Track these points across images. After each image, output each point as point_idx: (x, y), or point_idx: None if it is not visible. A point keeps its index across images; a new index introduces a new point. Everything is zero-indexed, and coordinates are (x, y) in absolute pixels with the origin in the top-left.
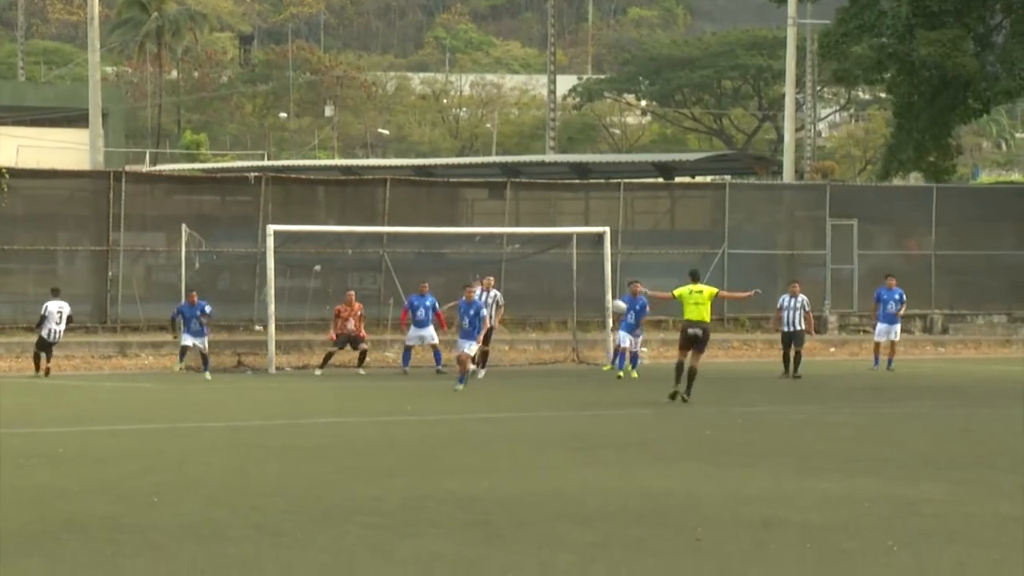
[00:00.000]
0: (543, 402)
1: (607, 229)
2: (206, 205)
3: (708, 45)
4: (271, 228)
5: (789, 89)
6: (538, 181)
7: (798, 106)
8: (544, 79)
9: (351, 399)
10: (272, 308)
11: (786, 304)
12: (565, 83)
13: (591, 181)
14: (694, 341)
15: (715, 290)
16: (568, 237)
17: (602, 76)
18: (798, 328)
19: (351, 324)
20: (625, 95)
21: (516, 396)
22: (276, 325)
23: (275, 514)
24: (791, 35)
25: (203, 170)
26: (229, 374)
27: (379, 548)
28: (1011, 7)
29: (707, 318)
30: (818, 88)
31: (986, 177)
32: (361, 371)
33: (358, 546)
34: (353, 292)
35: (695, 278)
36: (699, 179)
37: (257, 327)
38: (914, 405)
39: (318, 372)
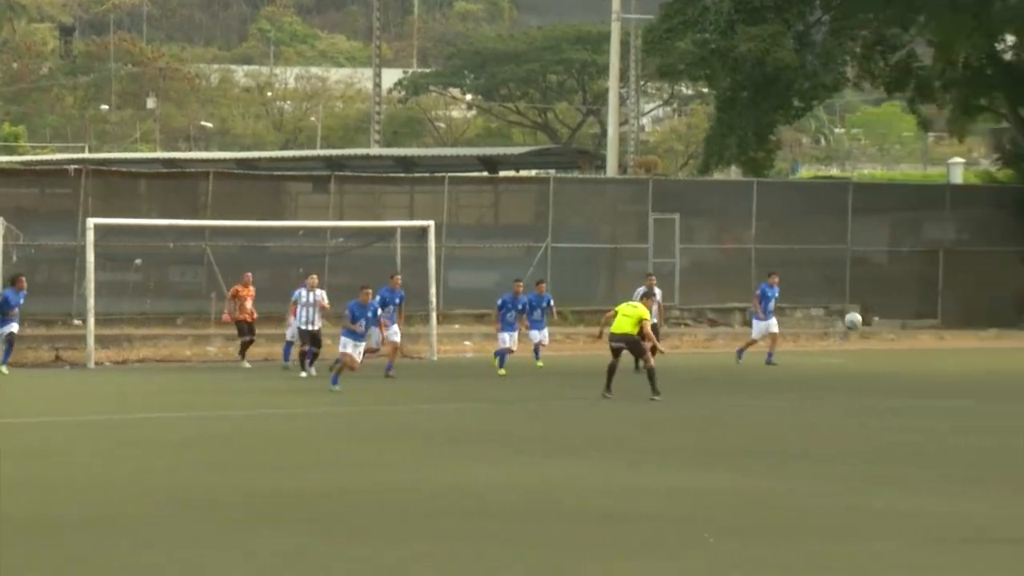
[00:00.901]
0: (369, 396)
1: (431, 223)
2: (24, 198)
3: (533, 39)
4: (91, 221)
5: (613, 84)
6: (363, 175)
7: (622, 101)
8: (369, 72)
9: (174, 393)
10: (91, 302)
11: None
12: (390, 77)
13: (416, 175)
14: (618, 352)
15: (646, 316)
16: (392, 231)
17: (427, 70)
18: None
19: (248, 304)
20: (450, 89)
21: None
22: (95, 319)
23: (126, 509)
24: (615, 30)
25: (21, 162)
26: (47, 369)
27: (237, 545)
28: (830, 4)
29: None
30: (641, 83)
31: (805, 172)
32: (246, 364)
33: (222, 542)
34: (250, 274)
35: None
36: (523, 173)
37: (76, 321)
38: (755, 398)
39: (247, 365)
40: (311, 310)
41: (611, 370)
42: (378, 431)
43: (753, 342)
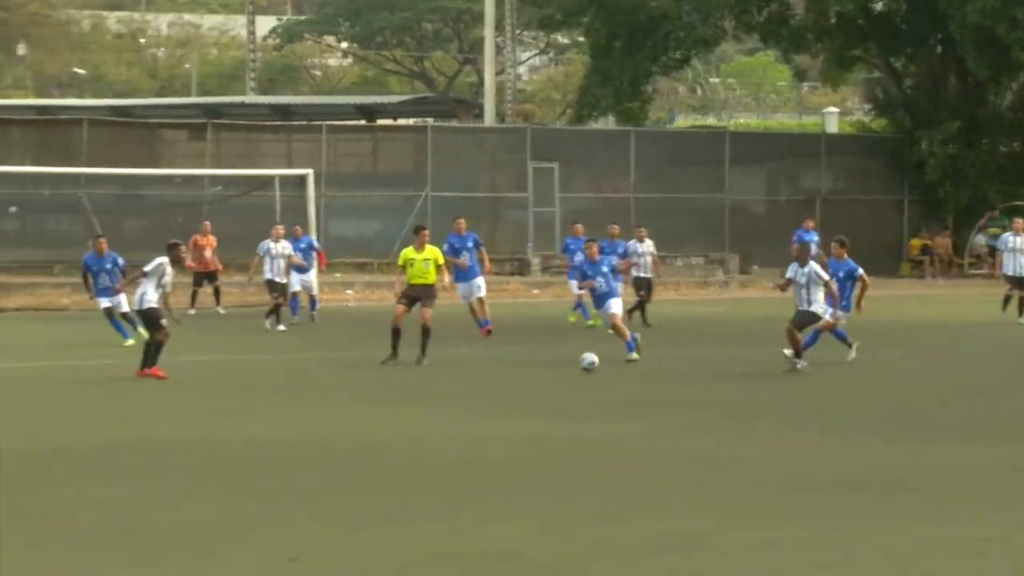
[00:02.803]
0: (250, 345)
1: (310, 171)
2: None
3: None
4: None
5: (489, 32)
6: (240, 123)
7: (498, 50)
8: (243, 20)
9: (47, 342)
10: None
11: (634, 250)
12: (265, 24)
13: (293, 123)
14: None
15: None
16: (270, 179)
17: (302, 17)
18: (646, 275)
19: (208, 253)
20: (326, 37)
21: (208, 338)
22: None
23: None
24: None
25: None
26: None
27: (79, 492)
28: None
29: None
30: (518, 32)
31: (682, 121)
32: (220, 310)
33: (56, 490)
34: (208, 223)
35: None
36: (401, 122)
37: None
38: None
39: (192, 312)
40: (280, 261)
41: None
42: (235, 383)
43: None
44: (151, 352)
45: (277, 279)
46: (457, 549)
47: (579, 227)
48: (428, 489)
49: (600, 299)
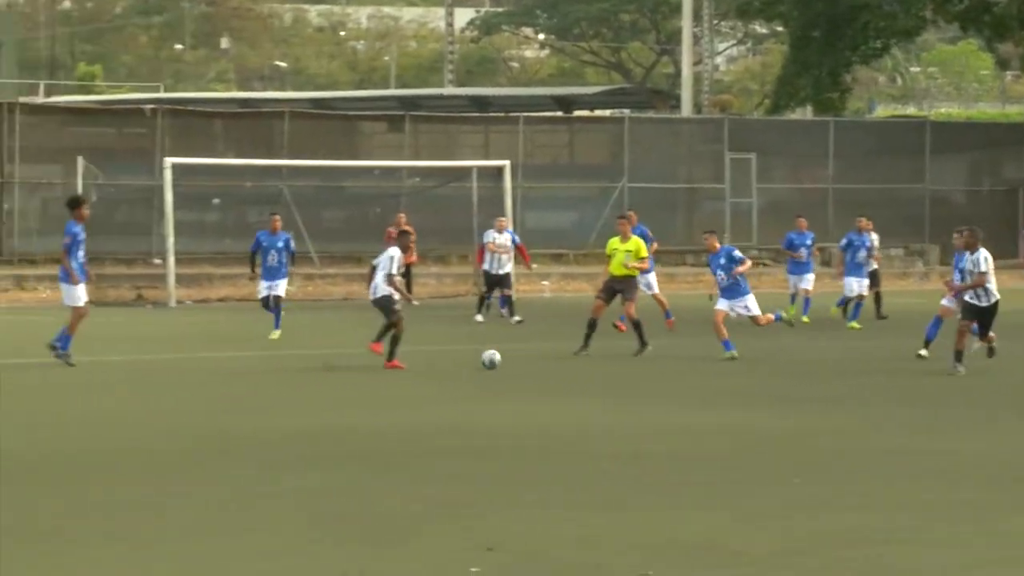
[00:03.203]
0: (444, 335)
1: (507, 163)
2: (102, 137)
3: None
4: (168, 161)
5: (686, 23)
6: (437, 115)
7: (696, 40)
8: (442, 12)
9: (250, 333)
10: (171, 241)
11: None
12: (463, 16)
13: (490, 115)
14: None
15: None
16: (468, 171)
17: (500, 9)
18: (872, 267)
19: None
20: (523, 28)
21: (416, 329)
22: (176, 258)
23: (161, 449)
24: None
25: (99, 102)
26: (129, 308)
27: (271, 482)
28: None
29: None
30: (715, 22)
31: (882, 111)
32: (414, 302)
33: (249, 479)
34: (403, 215)
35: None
36: (598, 113)
37: (155, 260)
38: (839, 339)
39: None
40: (500, 255)
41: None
42: (440, 372)
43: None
44: (392, 344)
45: (496, 271)
46: (658, 540)
47: (803, 221)
48: (628, 479)
49: (731, 292)
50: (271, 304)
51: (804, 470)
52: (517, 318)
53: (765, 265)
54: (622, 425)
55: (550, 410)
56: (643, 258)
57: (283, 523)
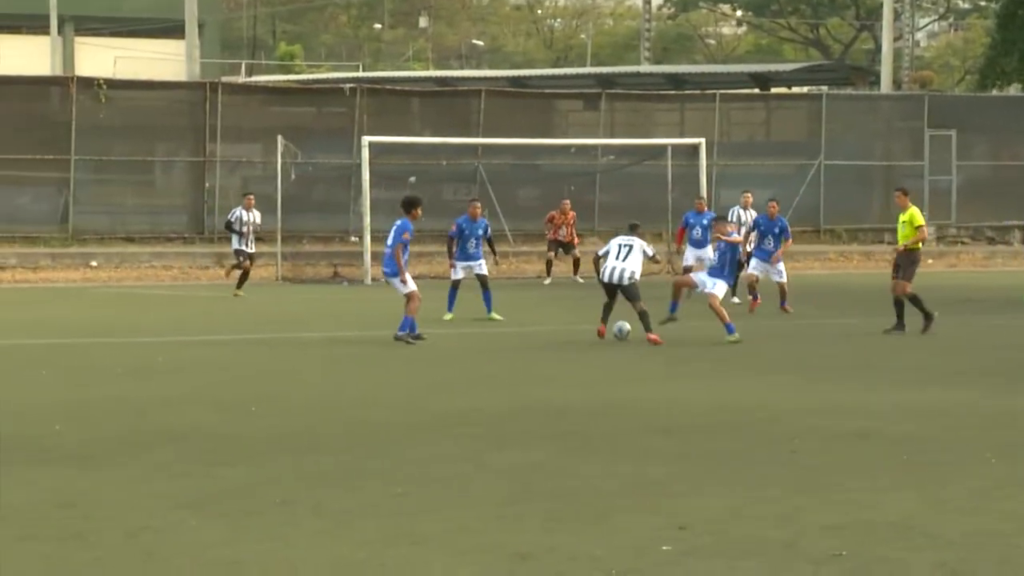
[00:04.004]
0: (634, 313)
1: (703, 140)
2: (301, 116)
3: None
4: (366, 139)
5: None
6: (633, 92)
7: (896, 15)
8: None
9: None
10: (368, 220)
11: None
12: None
13: (686, 92)
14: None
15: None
16: (663, 148)
17: None
18: None
19: (563, 232)
20: (720, 5)
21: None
22: (372, 236)
23: (371, 424)
24: None
25: (298, 81)
26: (325, 285)
27: (474, 458)
28: None
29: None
30: None
31: None
32: (579, 279)
33: (454, 456)
34: (568, 201)
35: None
36: (795, 90)
37: (352, 238)
38: (1008, 317)
39: (547, 281)
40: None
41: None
42: (638, 350)
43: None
44: (644, 320)
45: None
46: (851, 520)
47: (774, 205)
48: (820, 458)
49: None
50: (481, 286)
51: (1004, 449)
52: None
53: (963, 243)
54: (812, 403)
55: (743, 387)
56: (919, 227)
57: (483, 499)
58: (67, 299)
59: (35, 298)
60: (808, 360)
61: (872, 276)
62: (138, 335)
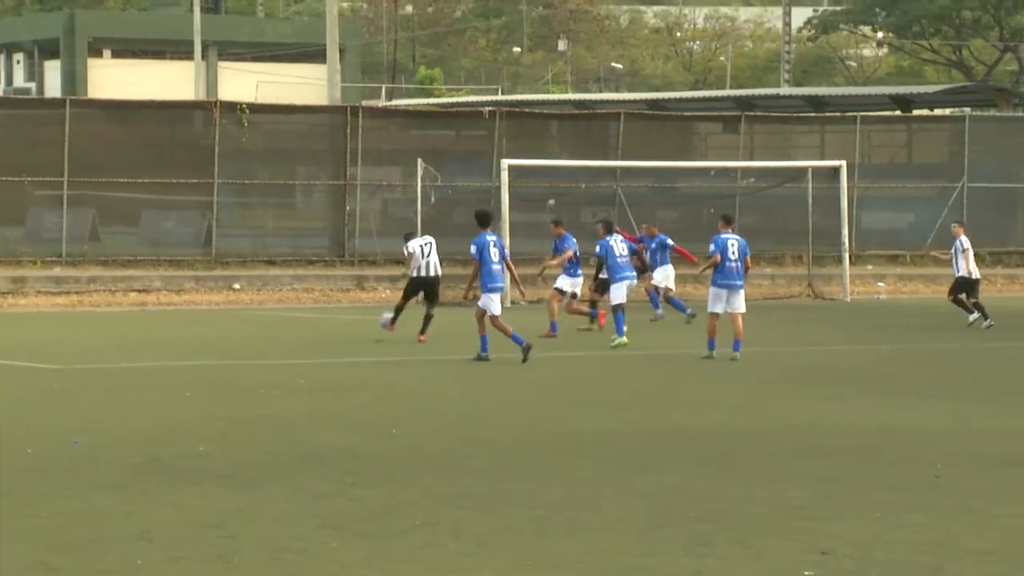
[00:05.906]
0: (777, 337)
1: (843, 163)
2: (441, 140)
3: None
4: (505, 162)
5: None
6: (773, 115)
7: None
8: (779, 12)
9: (575, 333)
10: (507, 242)
11: None
12: (800, 15)
13: (826, 114)
14: None
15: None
16: (803, 171)
17: (838, 8)
18: None
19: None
20: (861, 27)
21: (750, 330)
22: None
23: (509, 446)
24: None
25: (438, 105)
26: (461, 308)
27: (615, 481)
28: None
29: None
30: None
31: None
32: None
33: (594, 479)
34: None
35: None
36: (937, 112)
37: None
38: None
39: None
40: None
41: None
42: (773, 373)
43: None
44: None
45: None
46: (1000, 547)
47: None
48: (967, 482)
49: None
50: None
51: None
52: (989, 322)
53: None
54: (957, 427)
55: (886, 410)
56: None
57: (624, 522)
58: (210, 321)
59: (179, 320)
60: (953, 384)
61: (1017, 299)
62: (279, 357)
